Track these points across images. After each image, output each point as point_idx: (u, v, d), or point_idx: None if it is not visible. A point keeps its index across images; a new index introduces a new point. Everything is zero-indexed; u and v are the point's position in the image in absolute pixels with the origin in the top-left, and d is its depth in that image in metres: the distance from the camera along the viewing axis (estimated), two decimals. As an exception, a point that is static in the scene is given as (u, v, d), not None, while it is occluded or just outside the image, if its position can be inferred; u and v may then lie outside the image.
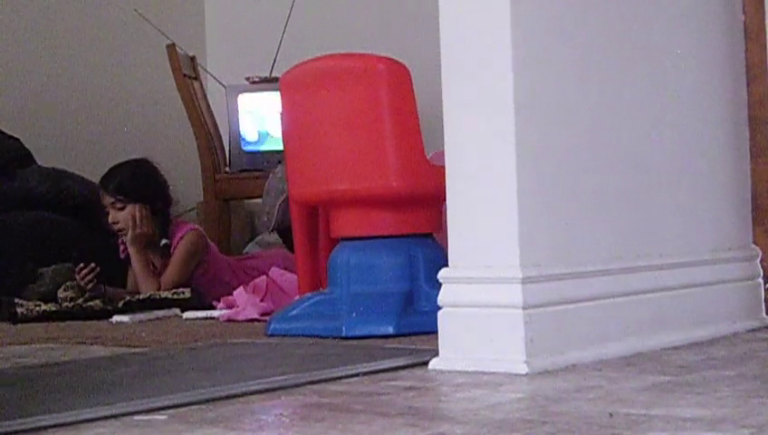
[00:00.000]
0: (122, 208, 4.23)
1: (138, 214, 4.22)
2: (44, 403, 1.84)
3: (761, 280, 2.77)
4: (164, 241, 4.31)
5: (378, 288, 2.97)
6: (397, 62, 3.02)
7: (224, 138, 5.15)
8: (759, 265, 2.77)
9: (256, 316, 3.50)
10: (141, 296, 4.06)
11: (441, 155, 2.29)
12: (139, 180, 4.28)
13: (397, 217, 3.03)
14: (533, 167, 2.18)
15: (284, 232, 4.19)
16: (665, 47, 2.54)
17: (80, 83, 5.59)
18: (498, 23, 2.15)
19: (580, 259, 2.26)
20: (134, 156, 4.45)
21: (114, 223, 4.24)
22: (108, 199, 4.26)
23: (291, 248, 3.76)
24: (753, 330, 2.66)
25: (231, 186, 5.00)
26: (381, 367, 2.17)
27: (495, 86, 2.16)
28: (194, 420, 1.69)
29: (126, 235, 4.23)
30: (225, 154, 5.11)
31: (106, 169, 4.37)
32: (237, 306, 3.62)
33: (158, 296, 4.03)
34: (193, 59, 5.26)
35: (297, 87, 3.12)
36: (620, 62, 2.41)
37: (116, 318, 3.78)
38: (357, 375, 2.09)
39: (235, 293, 3.72)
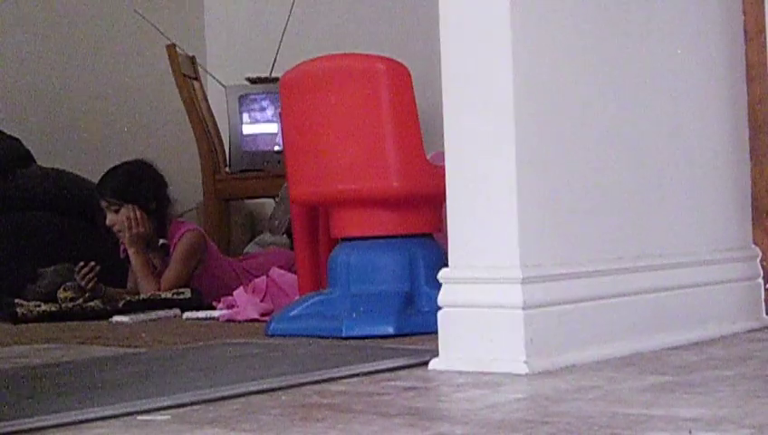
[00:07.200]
0: (118, 211, 4.24)
1: (132, 215, 4.23)
2: (45, 403, 1.84)
3: (761, 280, 2.77)
4: (161, 241, 4.31)
5: (378, 288, 2.97)
6: (397, 62, 3.02)
7: (224, 138, 5.15)
8: (759, 265, 2.77)
9: (256, 316, 3.50)
10: (141, 296, 4.06)
11: (441, 155, 2.29)
12: (133, 182, 4.29)
13: (397, 217, 3.03)
14: (533, 167, 2.18)
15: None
16: (665, 47, 2.54)
17: (80, 83, 5.59)
18: (498, 23, 2.15)
19: (580, 259, 2.26)
20: (134, 156, 4.46)
21: (112, 225, 4.25)
22: (104, 203, 4.28)
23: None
24: (753, 330, 2.66)
25: (231, 186, 5.00)
26: (381, 367, 2.17)
27: (495, 86, 2.16)
28: (194, 420, 1.69)
29: (124, 236, 4.24)
30: (225, 154, 5.11)
31: (106, 170, 4.38)
32: (237, 306, 3.62)
33: (158, 297, 4.03)
34: (193, 59, 5.26)
35: (297, 87, 3.12)
36: (621, 62, 2.41)
37: (116, 318, 3.78)
38: (357, 375, 2.09)
39: (235, 293, 3.72)
